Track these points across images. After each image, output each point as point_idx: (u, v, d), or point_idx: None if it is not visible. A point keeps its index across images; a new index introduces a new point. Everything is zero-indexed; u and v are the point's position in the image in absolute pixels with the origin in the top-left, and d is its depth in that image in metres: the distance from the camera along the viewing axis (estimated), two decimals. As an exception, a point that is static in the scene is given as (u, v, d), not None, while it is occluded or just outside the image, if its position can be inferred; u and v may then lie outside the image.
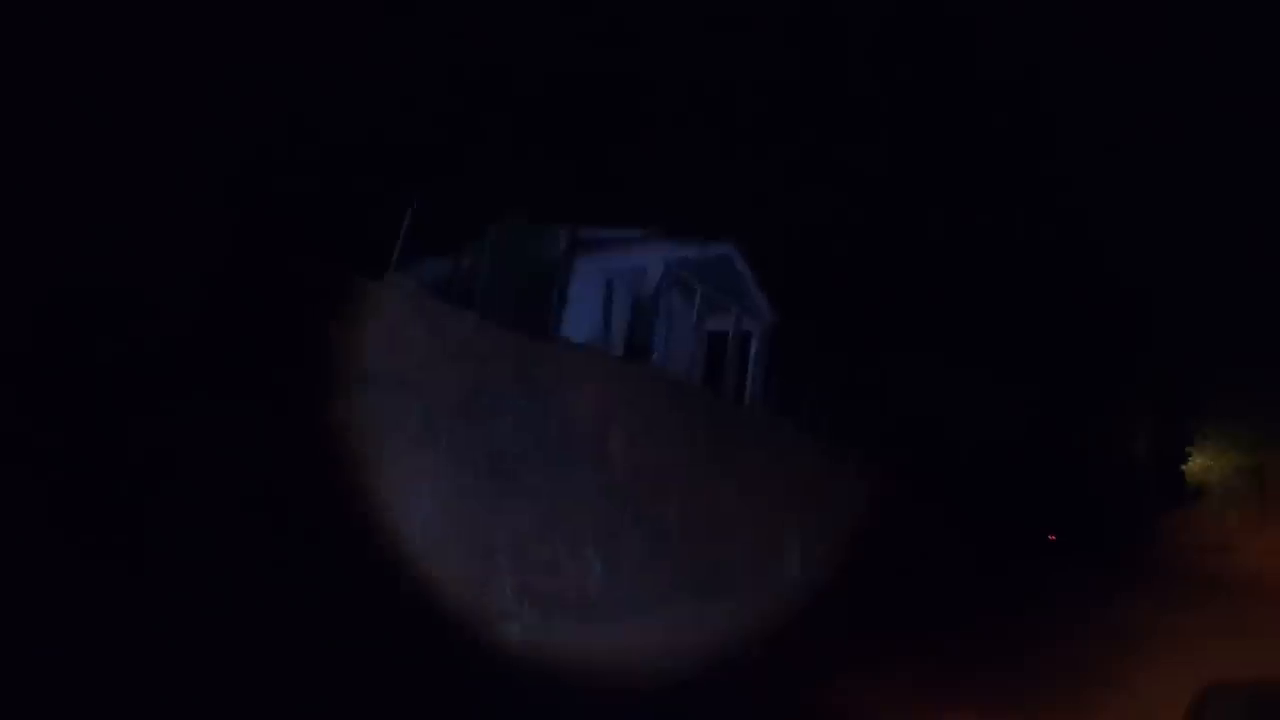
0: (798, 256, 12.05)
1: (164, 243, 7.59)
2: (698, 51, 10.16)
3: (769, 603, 11.00)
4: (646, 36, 10.10)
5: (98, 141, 7.52)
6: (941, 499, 13.83)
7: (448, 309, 9.22)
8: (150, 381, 6.91)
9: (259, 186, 8.68)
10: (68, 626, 6.05)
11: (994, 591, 13.74)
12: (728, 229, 12.06)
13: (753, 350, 13.55)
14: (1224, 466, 22.91)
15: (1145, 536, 21.70)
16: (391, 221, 9.29)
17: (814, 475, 12.22)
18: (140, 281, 7.24)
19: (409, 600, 7.93)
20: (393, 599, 7.85)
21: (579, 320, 11.53)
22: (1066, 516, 20.64)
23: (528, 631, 8.59)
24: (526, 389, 9.43)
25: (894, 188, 11.47)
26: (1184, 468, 24.54)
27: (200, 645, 6.49)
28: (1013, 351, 14.58)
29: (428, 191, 9.87)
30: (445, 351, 8.87)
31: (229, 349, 7.52)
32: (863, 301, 12.25)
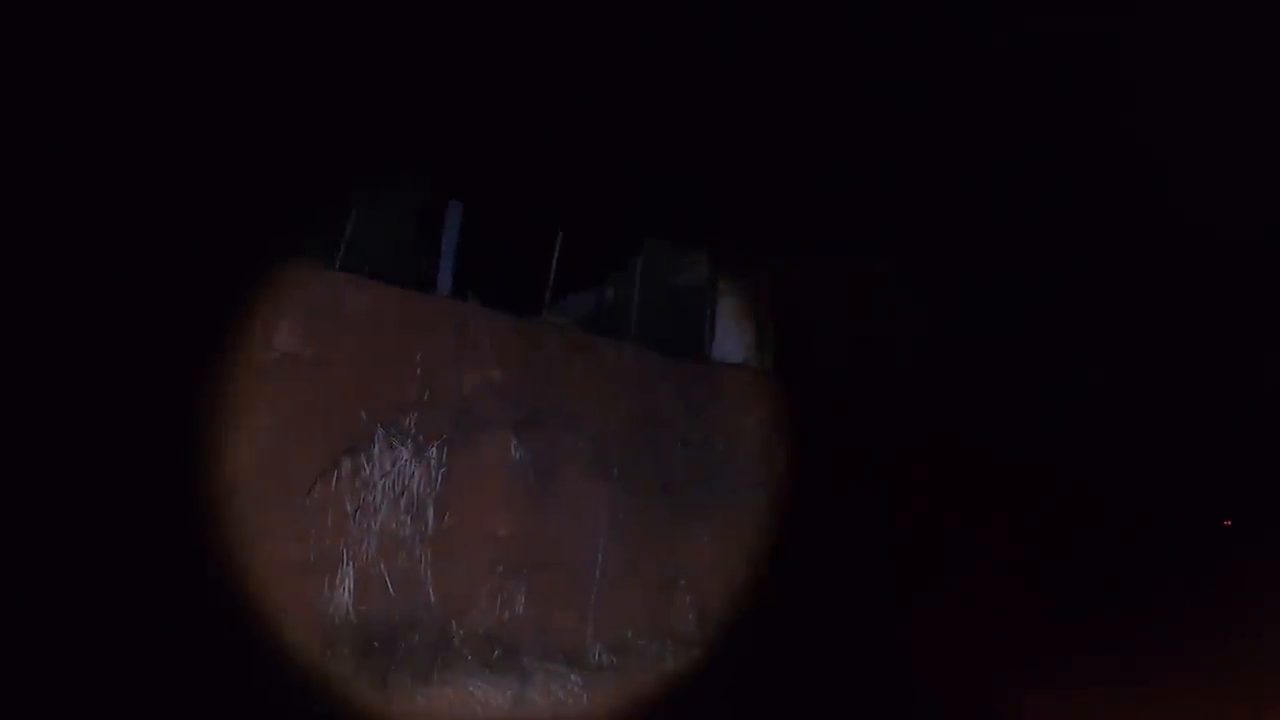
0: (946, 257, 11.80)
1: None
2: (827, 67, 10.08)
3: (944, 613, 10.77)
4: (769, 63, 10.08)
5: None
6: (1105, 494, 13.20)
7: (605, 341, 9.35)
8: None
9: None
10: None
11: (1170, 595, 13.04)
12: (870, 237, 11.89)
13: (909, 356, 13.28)
14: None
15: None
16: (539, 258, 9.55)
17: (969, 475, 11.90)
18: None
19: (594, 635, 8.07)
20: (579, 634, 8.00)
21: (729, 340, 11.53)
22: (1241, 495, 19.24)
23: (710, 657, 8.63)
24: (690, 413, 9.48)
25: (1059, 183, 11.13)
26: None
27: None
28: (1162, 317, 13.80)
29: (572, 228, 10.09)
30: (608, 382, 8.98)
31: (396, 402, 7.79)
32: (1021, 294, 11.90)
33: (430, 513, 7.49)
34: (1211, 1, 9.43)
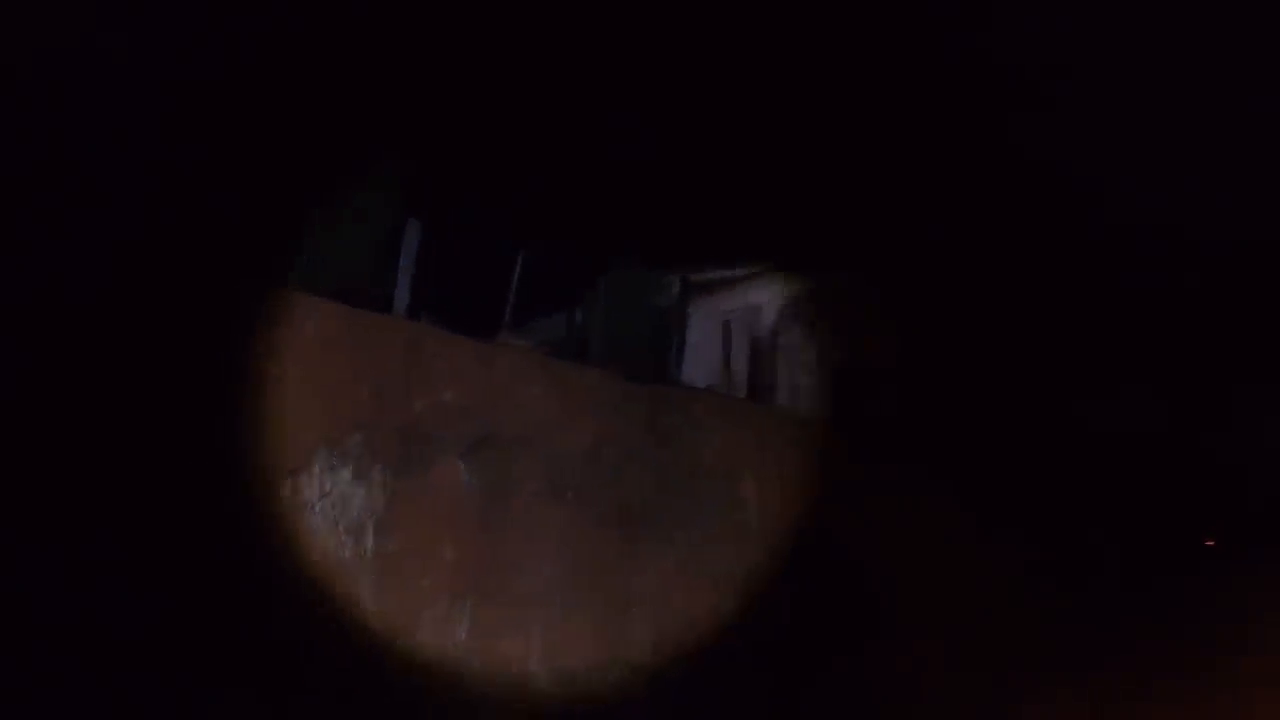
0: (920, 277, 11.60)
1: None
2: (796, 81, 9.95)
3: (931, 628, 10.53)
4: (740, 74, 9.94)
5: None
6: (1081, 508, 12.83)
7: (566, 364, 9.15)
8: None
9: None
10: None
11: (1151, 613, 12.72)
12: (844, 257, 11.74)
13: (884, 381, 13.09)
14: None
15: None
16: (500, 279, 9.39)
17: (948, 497, 11.65)
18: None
19: (541, 663, 7.82)
20: (521, 661, 7.75)
21: (698, 365, 11.34)
22: (1222, 514, 18.53)
23: (664, 688, 8.37)
24: (652, 438, 9.26)
25: (1025, 193, 10.96)
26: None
27: None
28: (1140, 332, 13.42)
29: (535, 248, 9.93)
30: (566, 406, 8.78)
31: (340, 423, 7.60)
32: (994, 314, 11.67)
33: (370, 537, 7.28)
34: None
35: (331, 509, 7.14)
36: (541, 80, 10.09)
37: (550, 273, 10.48)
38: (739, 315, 12.25)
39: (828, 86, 10.64)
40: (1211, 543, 13.23)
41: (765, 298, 12.01)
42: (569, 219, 10.54)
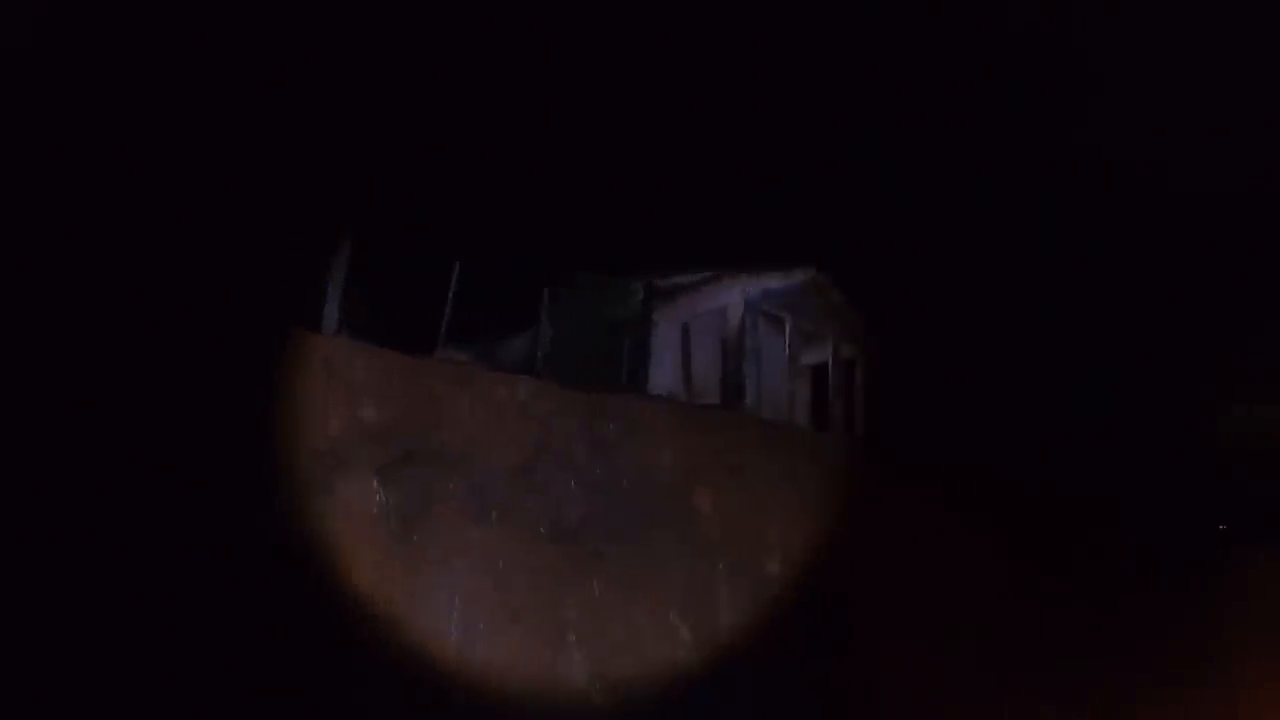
0: (891, 270, 11.07)
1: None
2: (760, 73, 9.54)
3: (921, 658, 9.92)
4: (701, 66, 9.58)
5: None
6: (1085, 499, 12.00)
7: (497, 376, 8.78)
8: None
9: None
10: None
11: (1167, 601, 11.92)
12: (810, 254, 11.23)
13: (857, 380, 12.49)
14: None
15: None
16: (437, 292, 9.09)
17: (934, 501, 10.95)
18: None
19: (462, 693, 7.43)
20: (440, 690, 7.37)
21: (661, 371, 10.94)
22: (1236, 498, 17.32)
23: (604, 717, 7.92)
24: (594, 449, 8.84)
25: (992, 186, 10.42)
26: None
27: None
28: (1141, 315, 12.50)
29: (485, 260, 9.64)
30: (497, 419, 8.42)
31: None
32: (967, 304, 11.08)
33: (270, 562, 6.98)
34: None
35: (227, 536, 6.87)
36: (492, 87, 9.86)
37: (511, 287, 10.21)
38: (704, 318, 11.82)
39: (797, 83, 10.24)
40: (1225, 526, 12.45)
41: (732, 299, 11.54)
42: (518, 228, 10.26)
